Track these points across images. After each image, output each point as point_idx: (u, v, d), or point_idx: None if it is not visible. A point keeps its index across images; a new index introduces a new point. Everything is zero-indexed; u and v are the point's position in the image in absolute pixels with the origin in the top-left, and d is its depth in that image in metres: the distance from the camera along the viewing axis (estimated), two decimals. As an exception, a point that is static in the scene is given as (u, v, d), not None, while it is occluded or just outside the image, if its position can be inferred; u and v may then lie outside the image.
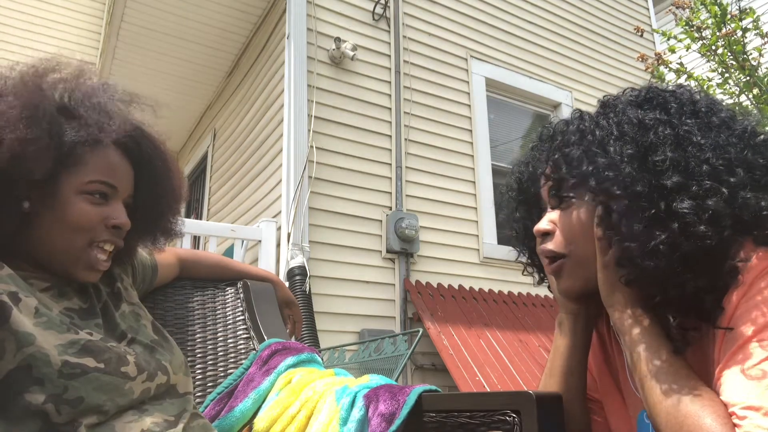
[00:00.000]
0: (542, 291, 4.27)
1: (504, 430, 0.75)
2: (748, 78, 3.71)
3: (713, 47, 3.81)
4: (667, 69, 4.01)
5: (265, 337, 1.22)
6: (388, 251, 3.83)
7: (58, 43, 5.47)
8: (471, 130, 4.53)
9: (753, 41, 3.97)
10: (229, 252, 3.97)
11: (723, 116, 0.77)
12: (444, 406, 0.86)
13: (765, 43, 3.82)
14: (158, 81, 5.15)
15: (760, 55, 3.84)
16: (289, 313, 1.42)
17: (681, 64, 3.94)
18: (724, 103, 0.81)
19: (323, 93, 3.89)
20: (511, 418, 0.75)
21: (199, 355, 1.24)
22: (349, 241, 3.73)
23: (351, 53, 3.97)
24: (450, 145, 4.37)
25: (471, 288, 4.06)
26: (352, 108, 4.00)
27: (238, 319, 1.29)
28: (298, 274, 3.30)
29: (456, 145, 4.41)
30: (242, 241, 3.54)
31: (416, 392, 0.89)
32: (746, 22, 3.79)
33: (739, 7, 3.77)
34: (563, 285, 0.85)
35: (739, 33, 3.73)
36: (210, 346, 1.26)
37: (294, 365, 1.10)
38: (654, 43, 5.88)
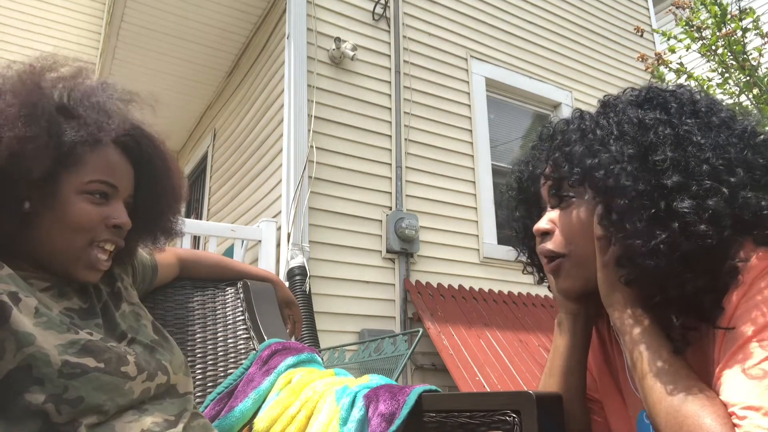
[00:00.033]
0: (542, 291, 4.27)
1: (504, 430, 0.75)
2: (748, 78, 3.71)
3: (713, 47, 3.81)
4: (667, 69, 4.01)
5: (265, 337, 1.22)
6: (388, 251, 3.83)
7: (58, 43, 5.47)
8: (471, 130, 4.53)
9: (753, 41, 3.97)
10: (229, 252, 3.97)
11: (723, 116, 0.77)
12: (444, 406, 0.86)
13: (765, 43, 3.82)
14: (158, 81, 5.14)
15: (760, 55, 3.85)
16: (289, 313, 1.42)
17: (681, 64, 3.95)
18: (724, 103, 0.81)
19: (323, 93, 3.89)
20: (511, 418, 0.74)
21: (199, 355, 1.24)
22: (349, 241, 3.73)
23: (351, 53, 3.97)
24: (450, 145, 4.37)
25: (471, 288, 4.06)
26: (352, 108, 4.00)
27: (238, 319, 1.29)
28: (298, 274, 3.30)
29: (456, 145, 4.41)
30: (242, 241, 3.54)
31: (416, 392, 0.89)
32: (746, 22, 3.79)
33: (739, 7, 3.77)
34: (562, 284, 0.85)
35: (739, 33, 3.73)
36: (210, 346, 1.26)
37: (294, 365, 1.10)
38: (654, 43, 5.88)
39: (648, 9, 6.23)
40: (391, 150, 4.07)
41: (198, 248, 5.00)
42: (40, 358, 0.73)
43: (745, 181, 0.70)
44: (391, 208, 3.94)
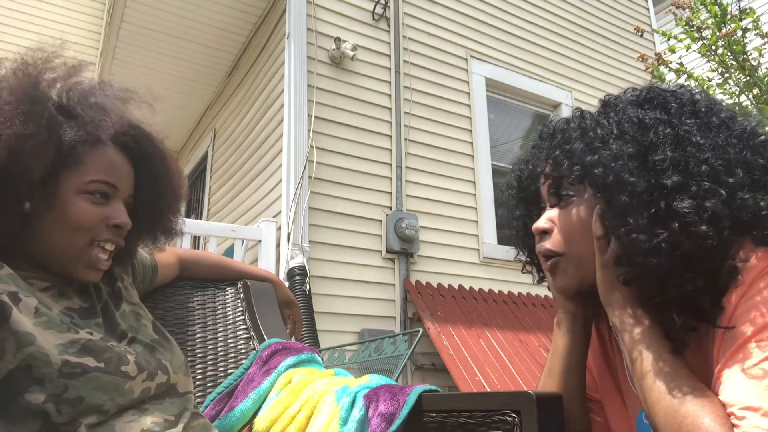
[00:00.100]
0: (542, 291, 4.27)
1: (504, 430, 0.75)
2: (748, 78, 3.71)
3: (713, 47, 3.81)
4: (667, 69, 4.01)
5: (265, 337, 1.22)
6: (388, 251, 3.83)
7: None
8: (471, 130, 4.53)
9: (753, 41, 3.97)
10: (229, 252, 3.97)
11: (723, 116, 0.77)
12: (444, 406, 0.86)
13: (765, 43, 3.82)
14: (158, 81, 5.14)
15: (760, 55, 3.85)
16: (289, 313, 1.42)
17: (681, 64, 3.95)
18: (724, 104, 0.81)
19: (323, 93, 3.89)
20: (511, 418, 0.74)
21: (199, 355, 1.24)
22: (349, 241, 3.73)
23: (351, 53, 3.97)
24: (450, 145, 4.37)
25: (471, 288, 4.06)
26: (352, 108, 4.00)
27: (238, 319, 1.29)
28: (298, 274, 3.30)
29: (456, 145, 4.41)
30: (242, 241, 3.54)
31: (416, 392, 0.89)
32: (746, 22, 3.80)
33: (739, 7, 3.77)
34: (559, 283, 0.85)
35: (739, 33, 3.73)
36: (210, 346, 1.26)
37: (294, 365, 1.10)
38: (654, 43, 5.88)
39: (648, 9, 6.23)
40: (391, 150, 4.07)
41: (198, 248, 5.00)
42: (40, 357, 0.73)
43: (744, 182, 0.70)
44: (391, 208, 3.94)
